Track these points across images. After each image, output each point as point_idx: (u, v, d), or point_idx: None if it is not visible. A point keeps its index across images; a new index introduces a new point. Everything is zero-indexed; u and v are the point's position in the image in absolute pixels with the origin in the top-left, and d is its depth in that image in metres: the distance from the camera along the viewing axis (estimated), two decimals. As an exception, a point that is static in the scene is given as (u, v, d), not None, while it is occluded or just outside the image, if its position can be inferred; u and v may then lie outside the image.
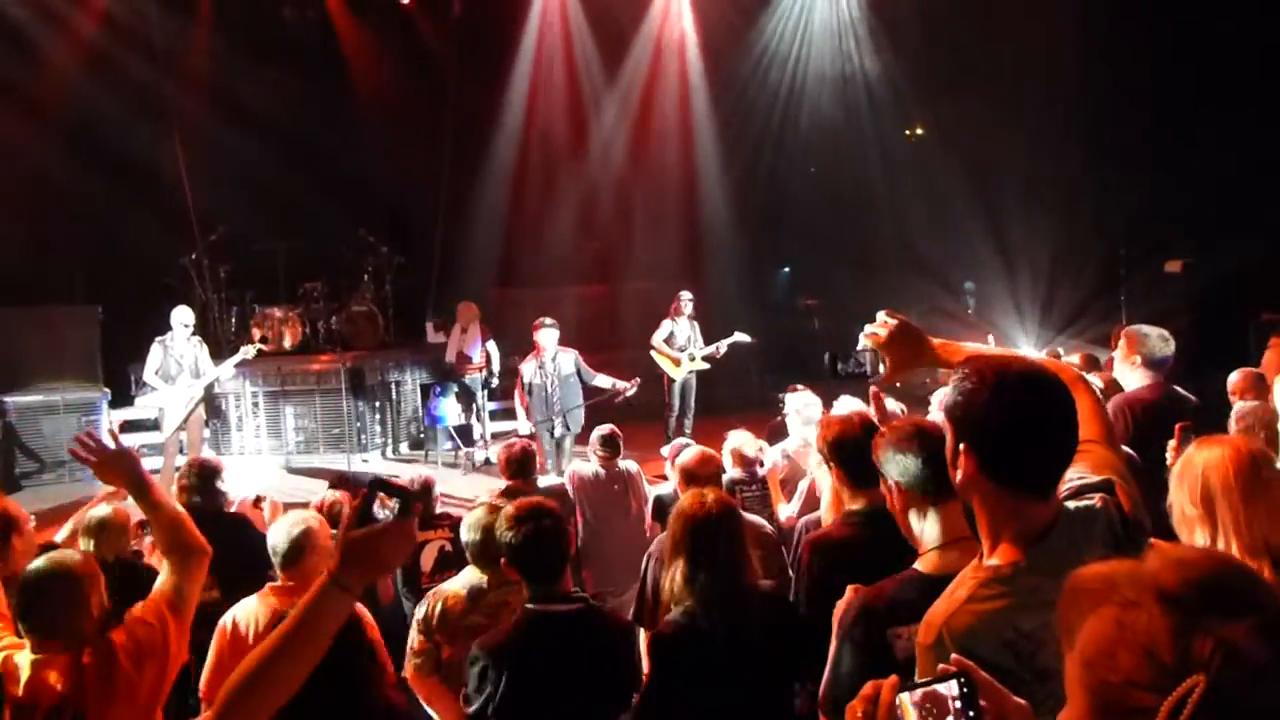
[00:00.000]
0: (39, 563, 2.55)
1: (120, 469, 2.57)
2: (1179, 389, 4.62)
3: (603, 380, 8.89)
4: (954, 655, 1.12)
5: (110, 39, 11.94)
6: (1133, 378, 4.63)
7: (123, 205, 11.57)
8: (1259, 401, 4.65)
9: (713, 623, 2.84)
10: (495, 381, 10.41)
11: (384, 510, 1.54)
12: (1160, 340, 4.66)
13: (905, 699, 1.08)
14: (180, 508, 2.74)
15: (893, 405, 5.07)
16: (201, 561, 2.68)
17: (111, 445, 2.52)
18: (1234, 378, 5.04)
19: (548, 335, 8.80)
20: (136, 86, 11.78)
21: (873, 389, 3.73)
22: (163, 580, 2.57)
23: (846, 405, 5.42)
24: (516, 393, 9.11)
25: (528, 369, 8.91)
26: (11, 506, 3.15)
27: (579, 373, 8.90)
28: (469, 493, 8.77)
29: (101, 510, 4.09)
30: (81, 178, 11.65)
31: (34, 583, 2.49)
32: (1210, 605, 0.91)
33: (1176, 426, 3.60)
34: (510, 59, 13.50)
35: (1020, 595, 1.68)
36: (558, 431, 8.87)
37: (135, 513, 5.14)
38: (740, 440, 5.39)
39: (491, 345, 10.22)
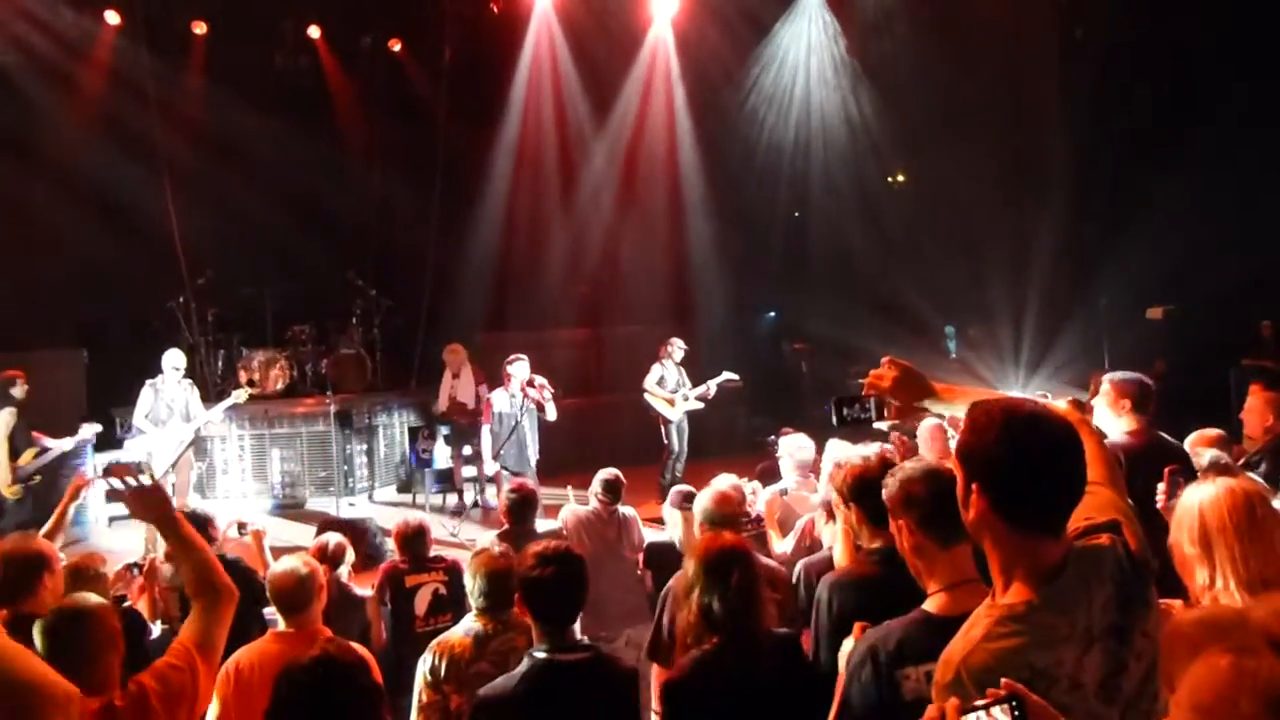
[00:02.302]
0: (62, 605, 2.52)
1: (152, 505, 2.59)
2: (1164, 435, 4.68)
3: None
4: (1004, 680, 1.18)
5: (102, 84, 12.02)
6: (1118, 424, 4.69)
7: (110, 249, 11.54)
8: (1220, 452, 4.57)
9: (727, 662, 2.82)
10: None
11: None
12: (1144, 386, 4.73)
13: None
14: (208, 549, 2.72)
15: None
16: (230, 604, 2.66)
17: (147, 481, 2.55)
18: (1192, 440, 4.79)
19: (519, 367, 8.95)
20: (127, 130, 11.80)
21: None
22: (190, 623, 2.55)
23: (839, 449, 5.48)
24: (484, 425, 9.16)
25: (498, 399, 9.03)
26: (44, 546, 3.11)
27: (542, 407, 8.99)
28: (460, 536, 8.76)
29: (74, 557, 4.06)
30: (68, 220, 11.63)
31: (60, 624, 2.47)
32: None
33: (1165, 470, 3.67)
34: (499, 104, 13.62)
35: (1034, 633, 1.71)
36: (512, 464, 8.89)
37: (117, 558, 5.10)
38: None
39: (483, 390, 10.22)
